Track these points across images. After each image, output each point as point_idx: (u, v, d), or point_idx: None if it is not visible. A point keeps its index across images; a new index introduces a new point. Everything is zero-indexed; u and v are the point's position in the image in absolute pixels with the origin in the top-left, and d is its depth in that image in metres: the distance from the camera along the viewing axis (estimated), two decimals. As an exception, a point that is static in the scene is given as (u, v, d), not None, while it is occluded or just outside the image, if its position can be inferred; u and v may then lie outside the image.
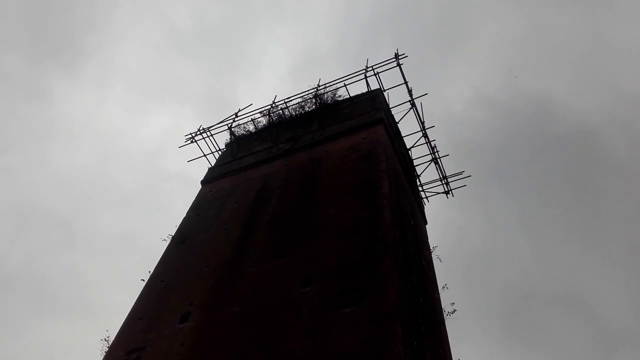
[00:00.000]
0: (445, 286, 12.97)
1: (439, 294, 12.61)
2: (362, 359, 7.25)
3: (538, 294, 41.55)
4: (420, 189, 17.82)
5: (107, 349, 9.91)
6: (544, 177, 45.30)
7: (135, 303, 10.91)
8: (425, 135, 17.10)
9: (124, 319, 10.56)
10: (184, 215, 13.90)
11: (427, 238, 14.95)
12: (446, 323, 11.85)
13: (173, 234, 13.11)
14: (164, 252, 12.47)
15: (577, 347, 38.57)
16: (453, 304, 12.40)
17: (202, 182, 15.51)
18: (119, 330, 10.22)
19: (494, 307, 40.75)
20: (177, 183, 50.12)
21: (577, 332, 39.33)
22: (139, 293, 11.27)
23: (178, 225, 13.45)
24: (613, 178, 42.83)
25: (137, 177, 51.70)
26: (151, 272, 11.74)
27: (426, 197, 18.05)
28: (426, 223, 16.20)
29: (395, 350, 7.19)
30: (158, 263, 12.05)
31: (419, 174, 17.73)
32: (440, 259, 14.20)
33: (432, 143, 17.33)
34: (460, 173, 17.77)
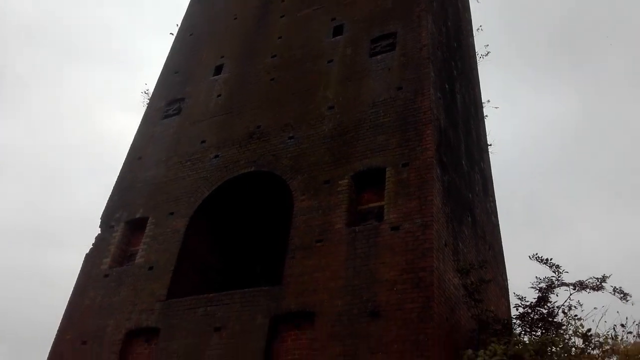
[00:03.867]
0: (480, 27, 12.52)
1: (473, 37, 12.26)
2: (395, 103, 7.46)
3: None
4: None
5: (148, 100, 10.38)
6: None
7: (167, 57, 11.01)
8: None
9: (151, 68, 10.84)
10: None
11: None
12: (479, 67, 11.81)
13: (194, -14, 12.49)
14: (188, 6, 12.08)
15: (620, 72, 37.28)
16: (487, 45, 12.17)
17: None
18: (156, 83, 10.54)
19: (531, 44, 39.06)
20: None
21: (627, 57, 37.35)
22: (165, 44, 11.32)
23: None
24: None
25: None
26: (179, 26, 11.56)
27: None
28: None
29: (427, 94, 7.32)
30: (184, 16, 11.78)
31: None
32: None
33: None
34: None
